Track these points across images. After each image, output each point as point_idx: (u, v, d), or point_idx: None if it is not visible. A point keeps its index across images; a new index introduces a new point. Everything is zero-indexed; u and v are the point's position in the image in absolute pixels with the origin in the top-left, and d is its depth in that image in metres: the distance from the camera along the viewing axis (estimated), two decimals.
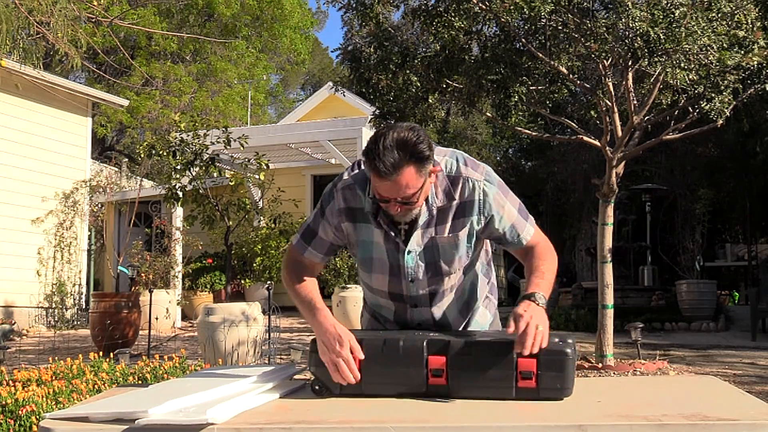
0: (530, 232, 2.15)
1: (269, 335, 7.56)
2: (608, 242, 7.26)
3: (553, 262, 2.13)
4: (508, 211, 2.11)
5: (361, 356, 1.89)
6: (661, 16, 6.00)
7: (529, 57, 7.02)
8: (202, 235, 11.38)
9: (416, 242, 2.09)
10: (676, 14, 5.98)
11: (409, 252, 2.09)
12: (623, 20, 6.08)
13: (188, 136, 8.69)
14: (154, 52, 20.98)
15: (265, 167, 9.03)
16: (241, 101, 21.33)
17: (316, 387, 1.86)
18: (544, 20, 6.59)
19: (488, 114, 7.84)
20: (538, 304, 1.94)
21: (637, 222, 13.62)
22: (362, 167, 2.11)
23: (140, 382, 5.08)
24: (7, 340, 9.80)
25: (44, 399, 4.38)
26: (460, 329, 2.26)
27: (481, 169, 2.10)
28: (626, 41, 6.21)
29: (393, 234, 2.09)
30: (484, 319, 2.33)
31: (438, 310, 2.20)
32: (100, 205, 13.52)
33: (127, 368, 5.60)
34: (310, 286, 2.15)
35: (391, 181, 1.92)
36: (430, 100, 7.36)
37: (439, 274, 2.13)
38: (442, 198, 2.07)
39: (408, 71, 7.12)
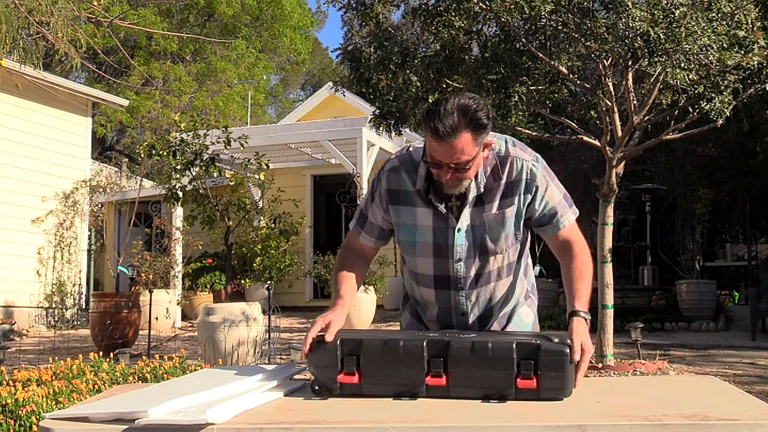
0: (570, 219, 2.18)
1: (269, 335, 7.56)
2: (608, 242, 7.26)
3: (591, 265, 2.16)
4: (551, 192, 2.15)
5: (330, 338, 1.89)
6: (661, 16, 6.00)
7: (529, 57, 7.02)
8: (202, 235, 11.37)
9: (465, 220, 2.12)
10: (676, 14, 5.98)
11: (459, 230, 2.11)
12: (623, 20, 6.08)
13: (188, 136, 8.69)
14: (154, 52, 20.98)
15: (265, 167, 9.03)
16: (241, 101, 21.32)
17: (316, 387, 1.86)
18: (544, 20, 6.59)
19: None
20: (586, 322, 2.00)
21: (637, 222, 13.61)
22: (411, 150, 2.16)
23: (140, 382, 5.08)
24: (7, 340, 9.80)
25: (44, 399, 4.38)
26: (504, 326, 2.27)
27: (529, 152, 2.15)
28: (626, 41, 6.21)
29: (445, 212, 2.10)
30: (528, 318, 2.33)
31: (483, 296, 2.20)
32: (100, 205, 13.51)
33: (127, 368, 5.60)
34: (347, 275, 2.20)
35: (448, 144, 1.94)
36: (430, 100, 7.35)
37: (485, 253, 2.14)
38: (490, 176, 2.10)
39: (408, 71, 7.12)
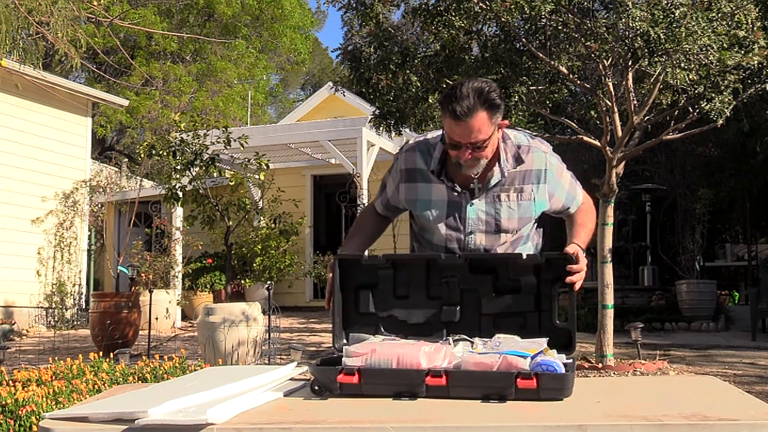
0: (581, 196, 2.43)
1: (269, 335, 7.56)
2: (608, 242, 7.26)
3: (593, 214, 2.43)
4: (566, 180, 2.37)
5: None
6: (662, 16, 6.00)
7: (529, 57, 7.02)
8: (202, 235, 11.38)
9: (479, 197, 2.29)
10: (677, 14, 5.98)
11: (471, 204, 2.28)
12: (623, 20, 6.08)
13: (188, 136, 8.69)
14: (154, 52, 20.98)
15: (265, 167, 9.03)
16: (241, 101, 21.32)
17: (316, 387, 1.86)
18: (544, 20, 6.59)
19: None
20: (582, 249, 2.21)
21: (637, 222, 13.61)
22: (428, 136, 2.36)
23: (140, 382, 5.08)
24: (7, 340, 9.80)
25: (44, 399, 4.38)
26: None
27: (546, 145, 2.35)
28: (626, 41, 6.21)
29: (458, 191, 2.28)
30: None
31: None
32: (100, 205, 13.51)
33: (127, 368, 5.60)
34: (356, 232, 2.47)
35: (466, 124, 2.11)
36: (430, 100, 7.35)
37: (497, 231, 2.30)
38: (512, 162, 2.27)
39: (408, 71, 7.11)
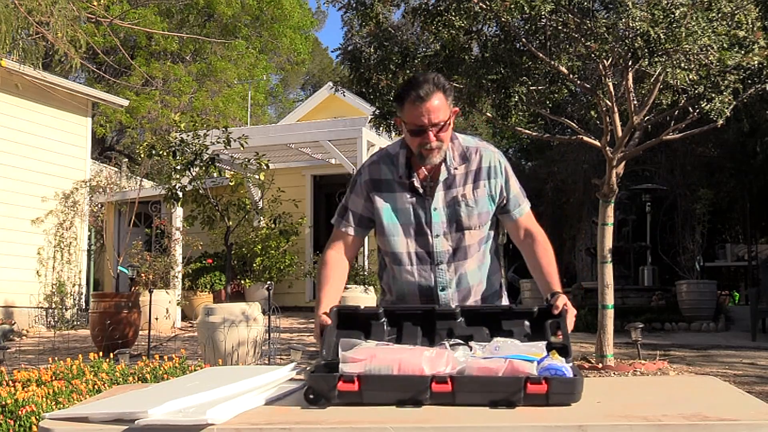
0: (526, 208, 2.52)
1: (269, 335, 7.56)
2: (608, 242, 7.26)
3: (552, 253, 2.48)
4: (513, 182, 2.49)
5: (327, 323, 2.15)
6: (662, 16, 6.00)
7: (529, 57, 7.02)
8: (202, 235, 11.37)
9: (440, 201, 2.42)
10: (677, 14, 5.98)
11: (435, 209, 2.41)
12: (623, 20, 6.08)
13: (188, 136, 8.69)
14: (154, 52, 20.98)
15: (265, 167, 9.03)
16: (241, 101, 21.33)
17: (311, 396, 1.79)
18: (544, 20, 6.59)
19: (488, 114, 7.85)
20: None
21: (637, 222, 13.61)
22: (387, 147, 2.52)
23: (140, 382, 5.08)
24: (7, 340, 9.80)
25: (44, 399, 4.38)
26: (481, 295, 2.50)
27: (494, 147, 2.52)
28: (626, 41, 6.21)
29: (422, 190, 2.40)
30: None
31: (460, 270, 2.45)
32: (100, 205, 13.51)
33: (127, 368, 5.60)
34: (327, 276, 2.46)
35: (430, 103, 2.29)
36: None
37: (461, 229, 2.42)
38: (459, 161, 2.42)
39: (408, 71, 7.11)
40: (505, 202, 2.47)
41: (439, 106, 2.31)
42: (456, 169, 2.41)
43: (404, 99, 2.33)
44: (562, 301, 2.19)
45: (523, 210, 2.50)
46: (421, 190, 2.41)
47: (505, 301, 2.58)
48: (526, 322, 2.15)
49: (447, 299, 2.43)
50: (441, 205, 2.42)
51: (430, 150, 2.34)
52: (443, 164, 2.39)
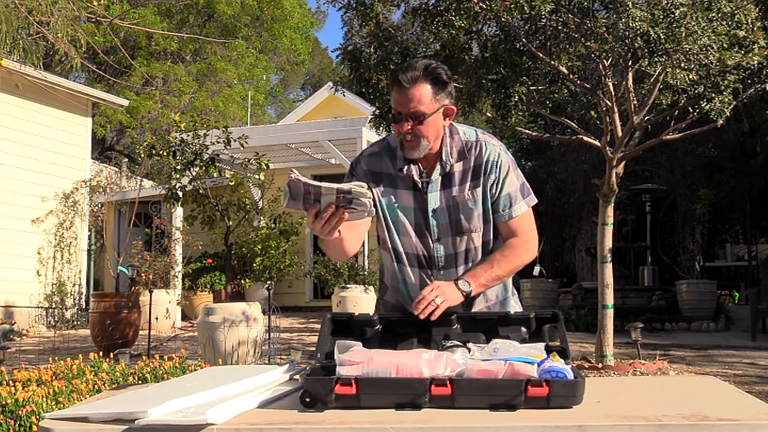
0: (522, 209, 2.28)
1: (269, 335, 7.56)
2: (608, 242, 7.26)
3: (517, 258, 2.26)
4: (510, 180, 2.27)
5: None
6: (662, 16, 6.00)
7: (529, 57, 7.02)
8: (202, 235, 11.37)
9: (439, 202, 2.26)
10: (677, 14, 5.98)
11: (434, 211, 2.26)
12: (623, 20, 6.09)
13: (188, 136, 8.69)
14: (154, 52, 20.98)
15: (265, 167, 9.03)
16: (241, 101, 21.32)
17: (307, 399, 1.76)
18: (544, 20, 6.59)
19: (488, 114, 7.85)
20: (457, 287, 2.15)
21: (637, 222, 13.62)
22: (388, 138, 2.34)
23: (140, 382, 5.08)
24: (7, 340, 9.80)
25: (44, 399, 4.38)
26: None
27: (497, 140, 2.32)
28: (626, 41, 6.21)
29: (422, 186, 2.23)
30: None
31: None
32: (100, 205, 13.51)
33: (127, 368, 5.60)
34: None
35: (408, 92, 2.13)
36: None
37: (461, 233, 2.26)
38: (456, 158, 2.25)
39: None
40: (493, 199, 2.26)
41: (420, 96, 2.13)
42: (453, 166, 2.24)
43: (391, 80, 2.18)
44: (436, 284, 2.10)
45: (513, 212, 2.26)
46: (419, 185, 2.25)
47: (517, 306, 2.40)
48: (523, 328, 2.11)
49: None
50: (440, 207, 2.25)
51: (408, 142, 2.17)
52: (438, 161, 2.23)
